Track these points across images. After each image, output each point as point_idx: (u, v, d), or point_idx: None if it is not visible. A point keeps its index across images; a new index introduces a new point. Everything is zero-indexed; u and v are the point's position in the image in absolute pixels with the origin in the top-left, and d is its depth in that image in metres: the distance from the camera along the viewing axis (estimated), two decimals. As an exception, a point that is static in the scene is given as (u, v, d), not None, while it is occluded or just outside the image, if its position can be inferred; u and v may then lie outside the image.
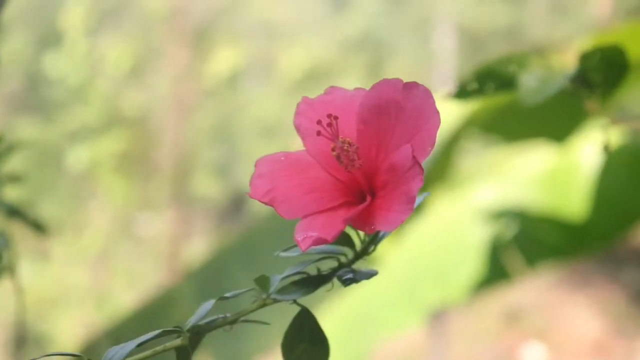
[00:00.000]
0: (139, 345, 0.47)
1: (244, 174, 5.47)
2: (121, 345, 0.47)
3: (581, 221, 1.96)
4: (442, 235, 2.16)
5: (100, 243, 4.82)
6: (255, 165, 0.52)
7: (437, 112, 0.49)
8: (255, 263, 1.96)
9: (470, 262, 2.04)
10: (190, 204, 4.96)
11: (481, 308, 4.44)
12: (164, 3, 4.91)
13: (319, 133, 0.50)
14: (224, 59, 5.01)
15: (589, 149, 2.04)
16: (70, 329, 4.39)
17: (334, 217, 0.49)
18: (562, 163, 2.10)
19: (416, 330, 3.74)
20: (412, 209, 0.46)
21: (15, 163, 1.05)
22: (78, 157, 4.72)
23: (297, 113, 0.53)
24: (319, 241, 0.47)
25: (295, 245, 0.51)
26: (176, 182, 4.66)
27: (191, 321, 0.50)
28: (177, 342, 0.50)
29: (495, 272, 2.04)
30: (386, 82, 0.50)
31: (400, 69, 5.38)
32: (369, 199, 0.49)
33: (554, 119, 1.97)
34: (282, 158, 0.52)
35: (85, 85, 4.82)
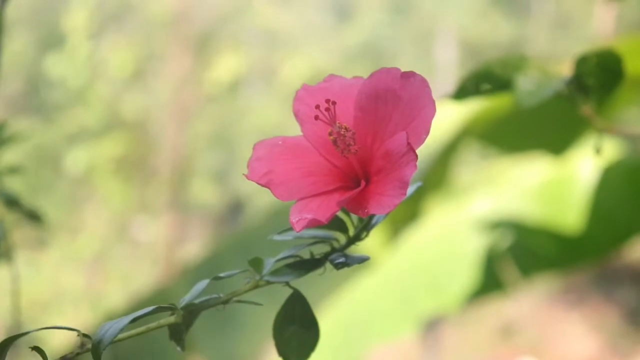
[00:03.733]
0: (133, 320, 0.48)
1: (241, 182, 5.47)
2: (115, 320, 0.48)
3: (576, 234, 1.96)
4: (437, 244, 2.16)
5: (96, 246, 4.81)
6: (254, 149, 0.53)
7: (433, 101, 0.50)
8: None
9: (465, 272, 2.04)
10: (187, 210, 4.96)
11: (475, 322, 4.44)
12: (167, 8, 4.92)
13: (316, 117, 0.51)
14: (225, 66, 5.01)
15: (586, 162, 2.05)
16: (63, 331, 4.36)
17: (329, 200, 0.50)
18: (559, 176, 2.11)
19: (409, 343, 3.74)
20: (405, 193, 0.47)
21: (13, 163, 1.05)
22: (76, 159, 4.72)
23: (296, 99, 0.54)
24: (314, 222, 0.48)
25: (290, 229, 0.51)
26: (174, 188, 4.66)
27: (185, 299, 0.51)
28: (171, 319, 0.50)
29: (490, 283, 2.04)
30: (384, 71, 0.51)
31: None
32: (363, 183, 0.50)
33: (552, 131, 1.98)
34: (280, 142, 0.53)
35: (86, 88, 4.82)
